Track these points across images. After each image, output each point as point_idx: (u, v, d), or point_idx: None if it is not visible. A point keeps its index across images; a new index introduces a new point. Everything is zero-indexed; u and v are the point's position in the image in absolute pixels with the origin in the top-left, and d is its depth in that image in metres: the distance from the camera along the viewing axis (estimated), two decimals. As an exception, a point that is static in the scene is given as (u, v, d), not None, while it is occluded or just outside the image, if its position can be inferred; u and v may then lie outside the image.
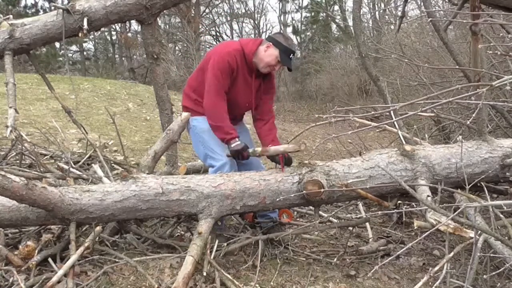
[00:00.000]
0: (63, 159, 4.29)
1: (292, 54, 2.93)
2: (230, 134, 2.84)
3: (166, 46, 16.82)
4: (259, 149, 2.82)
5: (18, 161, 3.93)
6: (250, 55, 2.91)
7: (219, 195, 2.62)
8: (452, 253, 2.15)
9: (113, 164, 4.34)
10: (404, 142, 2.91)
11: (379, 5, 17.69)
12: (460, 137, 2.84)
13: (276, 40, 2.91)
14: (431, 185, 2.56)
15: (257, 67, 2.94)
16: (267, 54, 2.90)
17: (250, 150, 2.81)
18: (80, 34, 3.50)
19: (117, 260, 2.52)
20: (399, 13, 6.40)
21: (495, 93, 4.81)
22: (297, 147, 2.67)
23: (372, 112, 3.23)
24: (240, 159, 2.87)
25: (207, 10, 20.95)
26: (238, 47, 2.92)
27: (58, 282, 2.23)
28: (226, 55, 2.86)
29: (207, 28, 20.77)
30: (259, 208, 2.73)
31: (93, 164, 3.81)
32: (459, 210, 1.92)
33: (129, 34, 20.82)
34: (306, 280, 2.56)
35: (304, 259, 2.84)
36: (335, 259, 2.81)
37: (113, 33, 21.86)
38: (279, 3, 22.67)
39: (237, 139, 2.83)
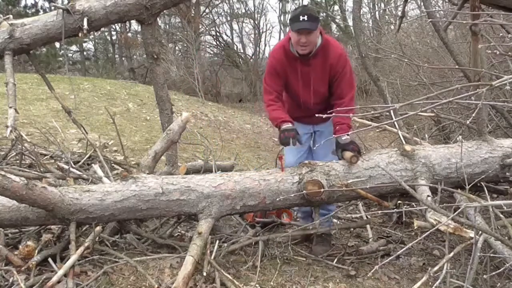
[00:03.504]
0: (63, 159, 4.29)
1: (301, 16, 2.68)
2: (277, 119, 2.83)
3: (166, 46, 16.80)
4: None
5: (18, 161, 3.93)
6: (287, 44, 2.84)
7: (219, 195, 2.62)
8: (452, 253, 2.15)
9: (113, 164, 4.34)
10: (404, 142, 2.91)
11: (379, 5, 17.68)
12: (460, 137, 2.84)
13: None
14: (431, 185, 2.56)
15: (297, 53, 2.81)
16: (290, 34, 2.79)
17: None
18: (80, 34, 3.49)
19: (117, 260, 2.52)
20: (399, 13, 6.40)
21: (495, 93, 4.81)
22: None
23: (372, 112, 3.23)
24: (289, 143, 2.75)
25: (207, 10, 20.91)
26: (280, 43, 2.94)
27: (58, 282, 2.23)
28: (270, 57, 2.96)
29: (207, 28, 20.75)
30: (259, 208, 2.73)
31: (93, 164, 3.81)
32: (459, 210, 1.92)
33: (129, 34, 20.81)
34: (306, 280, 2.56)
35: (304, 259, 2.84)
36: (335, 259, 2.81)
37: (113, 33, 21.85)
38: (279, 3, 22.65)
39: (285, 123, 2.78)
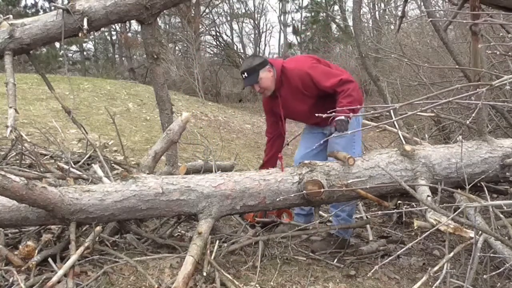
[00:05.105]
0: (63, 159, 4.28)
1: (242, 74, 3.01)
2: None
3: (166, 46, 16.78)
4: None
5: (18, 161, 3.93)
6: None
7: (219, 195, 2.62)
8: (452, 253, 2.15)
9: (113, 164, 4.33)
10: (404, 142, 2.91)
11: (379, 5, 17.67)
12: (460, 137, 2.85)
13: None
14: (431, 185, 2.56)
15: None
16: None
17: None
18: (80, 34, 3.49)
19: (117, 260, 2.51)
20: (399, 13, 6.39)
21: (495, 93, 4.81)
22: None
23: (372, 112, 3.23)
24: None
25: (207, 10, 20.90)
26: None
27: (58, 282, 2.22)
28: None
29: (207, 28, 20.74)
30: (259, 208, 2.73)
31: (93, 164, 3.81)
32: (459, 210, 1.92)
33: (129, 34, 20.81)
34: (306, 280, 2.56)
35: (304, 259, 2.84)
36: (335, 259, 2.81)
37: (113, 33, 21.87)
38: (279, 3, 22.72)
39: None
